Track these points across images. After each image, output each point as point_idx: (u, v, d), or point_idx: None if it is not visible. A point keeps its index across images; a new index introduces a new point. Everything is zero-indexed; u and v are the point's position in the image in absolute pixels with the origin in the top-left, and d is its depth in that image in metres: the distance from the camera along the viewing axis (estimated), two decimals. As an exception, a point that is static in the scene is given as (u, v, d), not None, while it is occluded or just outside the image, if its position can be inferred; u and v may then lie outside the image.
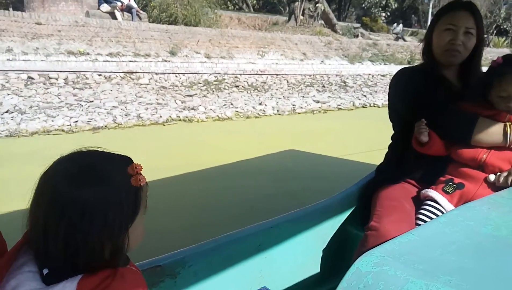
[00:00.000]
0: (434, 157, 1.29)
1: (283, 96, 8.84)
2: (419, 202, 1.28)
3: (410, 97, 1.34)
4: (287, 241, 1.27)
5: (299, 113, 7.63)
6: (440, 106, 1.28)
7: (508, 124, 1.18)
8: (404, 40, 19.53)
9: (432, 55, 1.41)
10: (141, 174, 0.67)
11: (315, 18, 17.82)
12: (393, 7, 23.60)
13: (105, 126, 5.83)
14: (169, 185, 3.49)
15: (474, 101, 1.28)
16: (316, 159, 4.57)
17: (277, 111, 7.53)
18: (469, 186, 1.19)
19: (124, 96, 7.25)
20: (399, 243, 0.73)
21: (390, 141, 1.57)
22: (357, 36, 17.74)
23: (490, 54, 22.01)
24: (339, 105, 8.53)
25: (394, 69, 15.95)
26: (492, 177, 1.17)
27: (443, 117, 1.27)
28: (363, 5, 24.16)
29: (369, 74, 14.51)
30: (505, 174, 1.14)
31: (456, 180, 1.22)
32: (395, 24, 20.40)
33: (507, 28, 25.00)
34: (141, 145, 5.05)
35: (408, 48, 17.63)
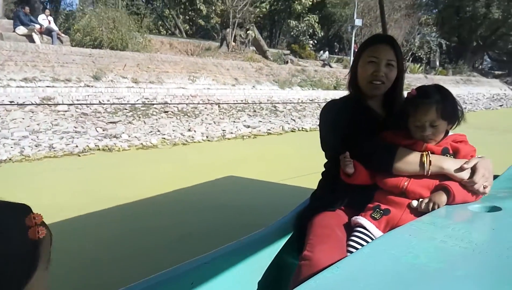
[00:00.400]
0: (363, 184, 1.35)
1: (214, 122, 8.77)
2: (350, 228, 1.32)
3: (338, 128, 1.41)
4: (222, 276, 1.24)
5: (228, 139, 7.48)
6: (366, 136, 1.35)
7: (424, 154, 1.24)
8: (330, 66, 20.66)
9: (357, 86, 1.49)
10: (41, 224, 0.61)
11: (247, 44, 18.25)
12: (320, 35, 25.02)
13: (9, 159, 5.23)
14: (65, 230, 2.92)
15: (397, 129, 1.34)
16: (247, 188, 4.41)
17: (206, 137, 7.34)
18: (394, 211, 1.24)
19: (38, 124, 6.67)
20: (324, 278, 0.74)
21: (321, 166, 1.63)
22: (287, 62, 18.42)
23: (407, 80, 24.09)
24: (269, 129, 8.63)
25: (322, 94, 16.76)
26: (414, 203, 1.23)
27: (367, 148, 1.33)
28: (292, 33, 25.32)
29: (299, 99, 15.05)
30: (426, 200, 1.20)
31: (383, 206, 1.27)
32: (322, 51, 21.60)
33: (421, 56, 27.63)
34: (46, 180, 4.52)
35: (334, 74, 18.66)
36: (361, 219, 1.28)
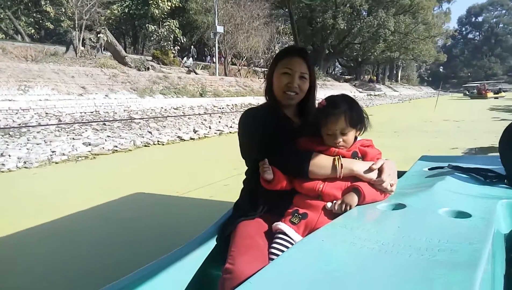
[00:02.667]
0: (283, 190, 1.39)
1: (44, 141, 7.09)
2: (272, 235, 1.33)
3: (256, 135, 1.45)
4: None
5: (56, 163, 5.91)
6: (283, 143, 1.41)
7: (336, 158, 1.32)
8: (196, 73, 20.04)
9: (273, 96, 1.55)
10: None
11: (98, 49, 16.29)
12: (183, 41, 24.20)
13: None
14: None
15: (312, 136, 1.40)
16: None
17: (24, 163, 5.65)
18: (311, 215, 1.29)
19: None
20: None
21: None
22: (148, 68, 17.08)
23: (271, 85, 25.07)
24: (116, 146, 7.32)
25: (187, 101, 15.94)
26: (329, 205, 1.28)
27: (283, 154, 1.39)
28: (153, 38, 23.97)
29: (161, 108, 13.94)
30: (339, 202, 1.27)
31: (301, 211, 1.31)
32: (185, 58, 20.82)
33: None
34: None
35: (199, 80, 18.07)
36: (281, 225, 1.31)
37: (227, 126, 11.19)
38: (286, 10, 27.59)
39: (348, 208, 1.24)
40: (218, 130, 10.38)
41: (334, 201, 1.28)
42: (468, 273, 0.72)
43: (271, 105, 1.56)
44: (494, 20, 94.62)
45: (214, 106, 16.39)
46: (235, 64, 24.86)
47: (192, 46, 24.26)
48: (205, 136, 9.59)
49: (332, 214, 1.26)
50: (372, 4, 36.26)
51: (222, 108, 16.38)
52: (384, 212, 1.20)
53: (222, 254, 1.38)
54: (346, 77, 47.38)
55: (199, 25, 24.04)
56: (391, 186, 1.30)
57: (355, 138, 1.39)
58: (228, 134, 10.15)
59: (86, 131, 8.45)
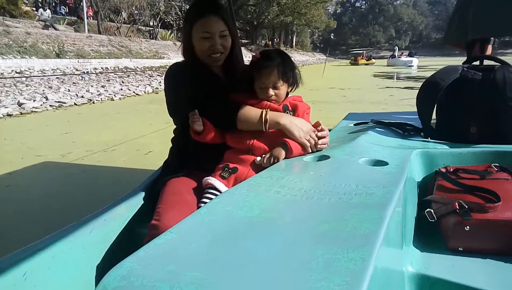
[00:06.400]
0: (213, 145, 1.39)
1: None
2: (202, 191, 1.32)
3: (184, 90, 1.43)
4: (60, 263, 1.05)
5: None
6: (211, 97, 1.40)
7: (264, 111, 1.32)
8: (56, 28, 16.54)
9: (196, 56, 1.49)
10: None
11: None
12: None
13: None
14: None
15: (242, 92, 1.41)
16: None
17: None
18: (241, 169, 1.31)
19: None
20: (155, 245, 0.69)
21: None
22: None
23: (155, 46, 22.37)
24: None
25: (37, 63, 12.81)
26: (258, 159, 1.30)
27: (212, 107, 1.38)
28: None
29: (-3, 71, 10.80)
30: (267, 155, 1.29)
31: (231, 165, 1.32)
32: (41, 10, 17.03)
33: (171, 22, 26.30)
34: None
35: (58, 38, 14.80)
36: (210, 179, 1.31)
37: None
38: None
39: (276, 161, 1.27)
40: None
41: (263, 155, 1.30)
42: (379, 211, 0.78)
43: (195, 64, 1.50)
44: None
45: (77, 70, 13.56)
46: (114, 21, 21.49)
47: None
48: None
49: (261, 168, 1.26)
50: (265, -36, 34.92)
51: (87, 71, 13.62)
52: (309, 163, 1.25)
53: (150, 213, 1.32)
54: (243, 41, 46.02)
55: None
56: (315, 145, 1.35)
57: (287, 94, 1.43)
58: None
59: None
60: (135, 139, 5.17)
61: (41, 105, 7.55)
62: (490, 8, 1.90)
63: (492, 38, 2.19)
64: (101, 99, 9.16)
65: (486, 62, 1.83)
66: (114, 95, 9.64)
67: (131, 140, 5.13)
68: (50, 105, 7.60)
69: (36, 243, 1.04)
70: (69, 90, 9.55)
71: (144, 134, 5.47)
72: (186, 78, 1.44)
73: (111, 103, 9.05)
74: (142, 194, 1.47)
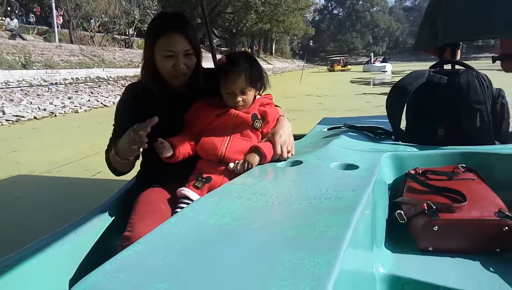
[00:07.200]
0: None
1: None
2: (176, 202, 1.31)
3: (137, 114, 1.31)
4: (29, 279, 1.04)
5: None
6: (175, 116, 1.39)
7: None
8: (23, 38, 15.94)
9: (157, 73, 1.43)
10: None
11: None
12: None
13: None
14: None
15: (207, 97, 1.38)
16: None
17: None
18: (215, 178, 1.29)
19: None
20: (122, 257, 0.68)
21: None
22: None
23: (129, 55, 21.86)
24: None
25: (0, 75, 12.26)
26: (231, 165, 1.28)
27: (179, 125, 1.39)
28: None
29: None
30: (241, 161, 1.28)
31: (205, 175, 1.30)
32: (8, 19, 16.41)
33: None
34: None
35: (25, 48, 14.24)
36: (184, 190, 1.29)
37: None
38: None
39: (250, 167, 1.25)
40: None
41: (237, 161, 1.28)
42: (347, 215, 0.78)
43: (156, 83, 1.43)
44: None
45: (44, 81, 13.01)
46: (87, 30, 20.94)
47: (17, 4, 19.38)
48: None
49: (235, 175, 1.23)
50: (242, -28, 34.98)
51: (56, 82, 13.09)
52: (282, 168, 1.26)
53: (124, 225, 1.29)
54: (222, 49, 45.80)
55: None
56: (288, 152, 1.35)
57: (255, 97, 1.40)
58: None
59: None
60: (86, 158, 4.81)
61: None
62: (459, 14, 1.92)
63: (460, 42, 2.23)
64: (64, 111, 8.73)
65: (447, 66, 1.86)
66: (80, 107, 9.23)
67: (81, 159, 4.77)
68: (6, 120, 7.14)
69: (2, 259, 1.01)
70: (31, 103, 9.09)
71: (98, 151, 5.09)
72: (135, 107, 1.39)
73: (74, 116, 8.63)
74: (116, 205, 1.45)
